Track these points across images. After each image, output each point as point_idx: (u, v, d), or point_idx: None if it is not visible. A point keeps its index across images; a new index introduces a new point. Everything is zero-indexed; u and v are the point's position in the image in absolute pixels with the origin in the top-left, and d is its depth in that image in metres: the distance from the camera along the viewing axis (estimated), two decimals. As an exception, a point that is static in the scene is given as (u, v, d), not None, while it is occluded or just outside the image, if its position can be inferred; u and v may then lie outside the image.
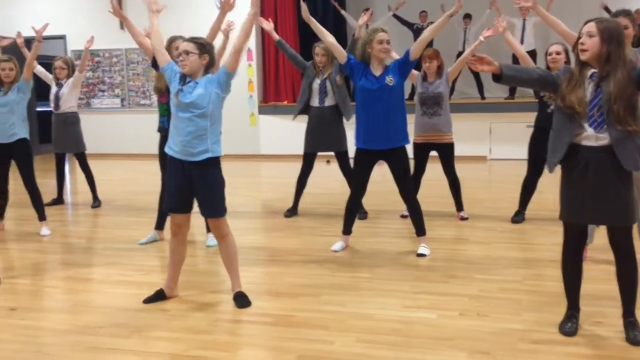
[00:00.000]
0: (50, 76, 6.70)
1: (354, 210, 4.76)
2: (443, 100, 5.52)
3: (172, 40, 4.56)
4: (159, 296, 3.68)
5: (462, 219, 5.65)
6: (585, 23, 2.88)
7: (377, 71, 4.39)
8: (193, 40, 3.45)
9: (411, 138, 5.63)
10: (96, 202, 6.77)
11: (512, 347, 2.98)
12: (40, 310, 3.64)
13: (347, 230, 4.75)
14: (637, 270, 2.97)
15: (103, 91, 11.60)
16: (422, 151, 5.63)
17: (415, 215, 4.62)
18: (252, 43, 10.98)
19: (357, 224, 4.94)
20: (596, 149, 2.85)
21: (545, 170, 3.14)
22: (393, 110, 4.39)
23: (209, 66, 3.51)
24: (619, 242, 2.97)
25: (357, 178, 4.67)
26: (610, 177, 2.85)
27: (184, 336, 3.20)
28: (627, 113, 2.77)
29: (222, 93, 3.47)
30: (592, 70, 2.88)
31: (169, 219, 3.82)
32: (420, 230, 4.63)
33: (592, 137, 2.85)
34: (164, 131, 4.67)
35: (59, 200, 6.80)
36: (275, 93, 11.39)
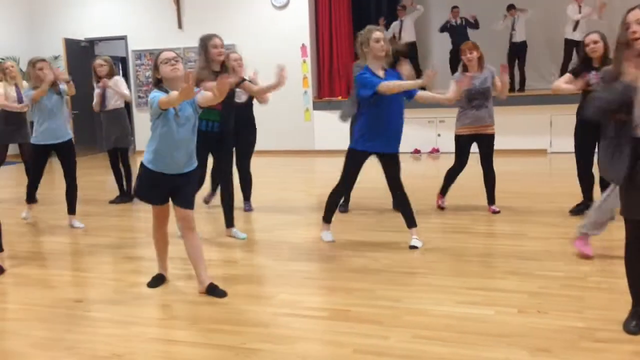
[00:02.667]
0: (127, 92, 6.78)
1: (338, 203, 4.91)
2: (490, 94, 5.54)
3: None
4: (159, 280, 4.00)
5: (494, 212, 5.61)
6: (629, 11, 2.74)
7: (378, 73, 4.31)
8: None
9: (452, 131, 5.66)
10: (124, 198, 6.91)
11: (574, 345, 2.89)
12: (104, 302, 3.77)
13: (328, 219, 4.87)
14: None
15: (162, 89, 11.86)
16: (466, 143, 5.65)
17: (407, 206, 4.66)
18: (307, 39, 11.03)
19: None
20: None
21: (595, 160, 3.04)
22: (402, 114, 4.43)
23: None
24: None
25: (352, 178, 4.66)
26: None
27: (241, 329, 3.25)
28: None
29: (194, 112, 3.64)
30: None
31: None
32: (411, 222, 4.67)
33: None
34: (211, 134, 4.85)
35: (122, 198, 6.95)
36: (330, 89, 11.45)
